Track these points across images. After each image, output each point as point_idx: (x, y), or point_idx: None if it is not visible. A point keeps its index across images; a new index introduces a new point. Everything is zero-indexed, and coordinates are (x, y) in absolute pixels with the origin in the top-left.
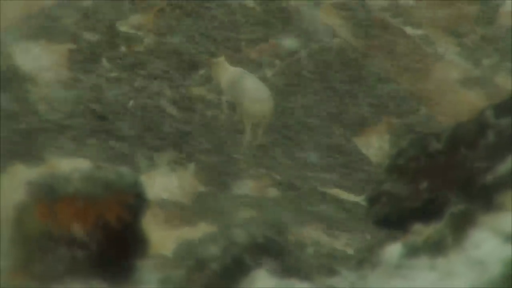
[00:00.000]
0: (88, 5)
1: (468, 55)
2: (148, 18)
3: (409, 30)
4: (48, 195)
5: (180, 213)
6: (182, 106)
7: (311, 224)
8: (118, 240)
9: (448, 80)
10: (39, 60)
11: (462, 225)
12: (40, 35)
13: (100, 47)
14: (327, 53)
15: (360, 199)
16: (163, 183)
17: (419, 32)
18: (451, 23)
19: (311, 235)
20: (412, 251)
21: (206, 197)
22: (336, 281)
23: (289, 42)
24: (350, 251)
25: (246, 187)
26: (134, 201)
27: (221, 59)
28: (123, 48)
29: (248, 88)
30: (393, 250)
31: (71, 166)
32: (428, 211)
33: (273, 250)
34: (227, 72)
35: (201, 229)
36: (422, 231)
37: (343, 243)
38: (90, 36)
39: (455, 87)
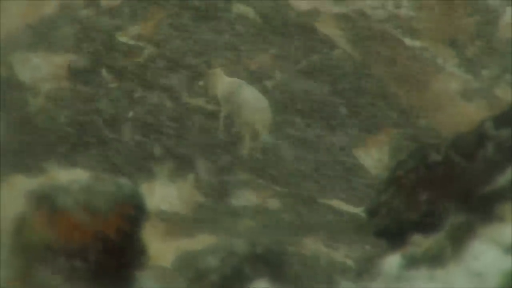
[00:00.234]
0: (87, 16)
1: (467, 67)
2: (147, 29)
3: (408, 41)
4: (48, 206)
5: (179, 224)
6: (182, 117)
7: (311, 235)
8: (117, 251)
9: (447, 91)
10: (38, 71)
11: (461, 237)
12: (39, 46)
13: (100, 58)
14: (327, 64)
15: (359, 210)
16: (163, 194)
17: (418, 43)
18: (451, 34)
19: (311, 246)
20: (412, 262)
21: (206, 208)
22: None
23: (289, 53)
24: (349, 262)
25: (245, 198)
26: (134, 213)
27: (217, 70)
28: (122, 59)
29: (246, 98)
30: (393, 261)
31: (70, 177)
32: (427, 223)
33: (273, 261)
34: (223, 83)
35: (200, 240)
36: (421, 243)
37: (342, 254)
38: (89, 47)
39: (455, 99)
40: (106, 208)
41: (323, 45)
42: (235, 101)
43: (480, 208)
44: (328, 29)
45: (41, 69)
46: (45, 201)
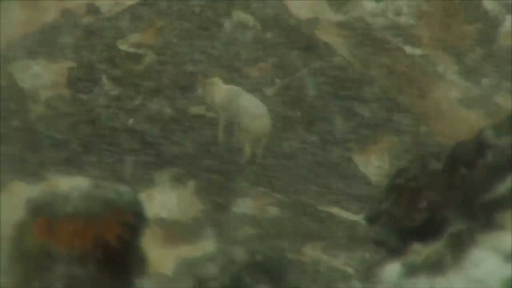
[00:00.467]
0: (88, 24)
1: (468, 75)
2: (148, 37)
3: (409, 49)
4: (48, 213)
5: (179, 231)
6: (182, 124)
7: (311, 243)
8: (117, 259)
9: (448, 99)
10: (38, 78)
11: (461, 245)
12: (40, 53)
13: (100, 66)
14: (327, 71)
15: (359, 218)
16: (163, 201)
17: (419, 51)
18: (451, 42)
19: (311, 253)
20: (411, 271)
21: (206, 216)
22: None
23: (289, 61)
24: (349, 270)
25: (245, 205)
26: (134, 220)
27: (215, 79)
28: (123, 67)
29: (244, 106)
30: (392, 269)
31: (70, 184)
32: (427, 231)
33: (273, 269)
34: (220, 90)
35: (200, 248)
36: (421, 251)
37: (342, 262)
38: (90, 55)
39: (455, 106)
40: (106, 216)
41: (323, 53)
42: (233, 109)
43: (480, 216)
44: (328, 37)
45: (41, 77)
46: (45, 208)
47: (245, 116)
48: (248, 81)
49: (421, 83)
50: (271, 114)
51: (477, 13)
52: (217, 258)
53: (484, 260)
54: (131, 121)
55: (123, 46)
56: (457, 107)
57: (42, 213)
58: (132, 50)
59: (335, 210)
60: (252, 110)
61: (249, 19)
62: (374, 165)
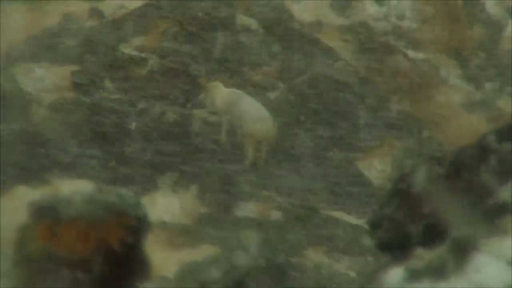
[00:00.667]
0: (91, 27)
1: (470, 79)
2: (151, 40)
3: (411, 53)
4: (50, 216)
5: (182, 235)
6: (185, 128)
7: (313, 247)
8: (120, 262)
9: (450, 103)
10: (42, 82)
11: (464, 250)
12: (43, 57)
13: (103, 69)
14: (330, 75)
15: (362, 221)
16: (165, 204)
17: (421, 55)
18: (454, 46)
19: (313, 257)
20: (414, 275)
21: (208, 219)
22: None
23: (292, 65)
24: (352, 274)
25: (248, 209)
26: (136, 224)
27: (216, 82)
28: (125, 70)
29: (246, 109)
30: (395, 274)
31: (73, 187)
32: (430, 236)
33: (275, 273)
34: (222, 94)
35: (203, 251)
36: (424, 256)
37: (345, 266)
38: (93, 58)
39: (458, 111)
40: (109, 219)
41: (326, 57)
42: (234, 112)
43: (483, 221)
44: (331, 41)
45: (45, 80)
46: (47, 212)
47: (247, 119)
48: (251, 85)
49: (424, 87)
50: (274, 118)
51: (480, 17)
52: (220, 262)
53: (487, 265)
54: (134, 124)
55: (126, 50)
56: (460, 111)
57: (45, 217)
58: (135, 53)
59: (338, 214)
60: (254, 113)
61: (252, 22)
62: (377, 169)
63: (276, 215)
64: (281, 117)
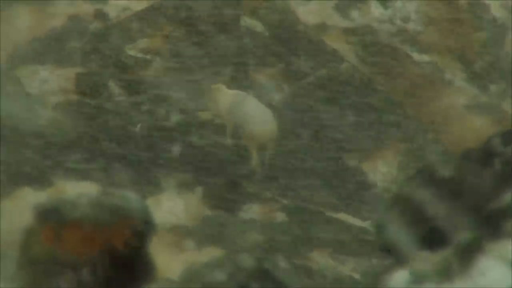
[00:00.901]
0: (96, 29)
1: (475, 81)
2: (156, 42)
3: (416, 56)
4: (55, 219)
5: (186, 237)
6: (189, 130)
7: (318, 249)
8: (124, 265)
9: (455, 106)
10: (46, 83)
11: (469, 253)
12: (47, 58)
13: (108, 71)
14: (335, 78)
15: (367, 224)
16: (170, 207)
17: (426, 58)
18: (459, 49)
19: (318, 259)
20: (419, 278)
21: (213, 221)
22: None
23: (297, 67)
24: (356, 276)
25: (253, 211)
26: (141, 226)
27: (219, 85)
28: (131, 72)
29: (249, 111)
30: (400, 277)
31: (78, 190)
32: (435, 239)
33: (280, 276)
34: (225, 96)
35: (207, 254)
36: (429, 259)
37: (349, 268)
38: (98, 60)
39: (462, 113)
40: (114, 222)
41: (331, 59)
42: (238, 114)
43: (488, 224)
44: (336, 43)
45: (49, 82)
46: (52, 214)
47: (250, 121)
48: (255, 86)
49: (429, 89)
50: (278, 120)
51: (485, 20)
52: (225, 265)
53: (491, 269)
54: (138, 126)
55: (131, 52)
56: (465, 113)
57: (50, 219)
58: (140, 55)
59: (343, 216)
60: (257, 115)
61: (256, 24)
62: (381, 171)
63: (280, 217)
64: (285, 119)
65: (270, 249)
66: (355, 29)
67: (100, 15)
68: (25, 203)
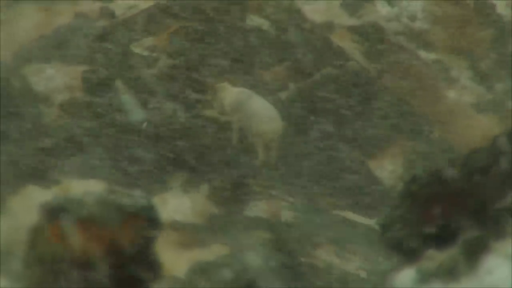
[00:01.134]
0: (102, 27)
1: (481, 80)
2: (162, 40)
3: (423, 54)
4: (62, 217)
5: (193, 234)
6: (195, 128)
7: (324, 247)
8: (131, 263)
9: (461, 104)
10: (53, 81)
11: (475, 251)
12: (54, 56)
13: (114, 69)
14: (341, 76)
15: (373, 222)
16: (176, 204)
17: (433, 56)
18: (465, 47)
19: (324, 257)
20: (425, 277)
21: (219, 219)
22: None
23: (303, 65)
24: (363, 274)
25: (259, 209)
26: (147, 224)
27: (224, 84)
28: (136, 70)
29: (255, 108)
30: (406, 275)
31: (84, 188)
32: (441, 237)
33: (286, 274)
34: (230, 94)
35: (213, 251)
36: (435, 257)
37: (355, 266)
38: (104, 58)
39: (468, 111)
40: (120, 220)
41: (337, 57)
42: (243, 112)
43: (494, 223)
44: (342, 41)
45: (56, 80)
46: (59, 212)
47: (256, 119)
48: (262, 84)
49: (435, 87)
50: (284, 117)
51: (491, 18)
52: (231, 263)
53: (498, 267)
54: (145, 124)
55: (137, 50)
56: (471, 111)
57: (57, 218)
58: (146, 53)
59: (349, 214)
60: (262, 112)
61: (263, 23)
62: (387, 169)
63: (287, 215)
64: (291, 117)
65: (276, 248)
66: (361, 27)
67: (106, 13)
68: (31, 202)
